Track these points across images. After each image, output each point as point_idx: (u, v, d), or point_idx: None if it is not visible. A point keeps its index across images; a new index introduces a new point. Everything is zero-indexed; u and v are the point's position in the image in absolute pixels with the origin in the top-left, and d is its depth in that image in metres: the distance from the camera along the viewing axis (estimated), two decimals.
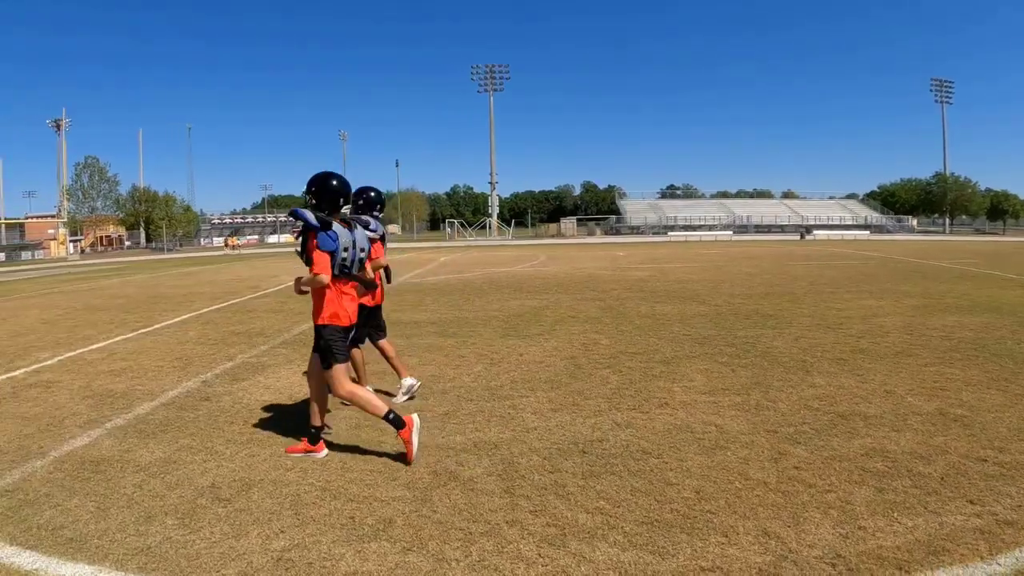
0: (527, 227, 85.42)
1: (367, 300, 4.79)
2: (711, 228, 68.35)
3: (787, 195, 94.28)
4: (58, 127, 68.89)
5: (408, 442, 3.88)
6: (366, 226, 4.38)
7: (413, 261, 26.70)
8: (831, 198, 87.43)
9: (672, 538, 3.04)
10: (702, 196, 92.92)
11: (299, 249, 3.95)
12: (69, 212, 64.10)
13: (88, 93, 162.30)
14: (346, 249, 3.96)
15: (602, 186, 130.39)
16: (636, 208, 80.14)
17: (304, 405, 5.01)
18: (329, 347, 3.94)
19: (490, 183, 75.51)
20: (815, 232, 59.49)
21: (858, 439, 4.18)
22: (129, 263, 37.07)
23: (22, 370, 6.87)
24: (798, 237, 55.37)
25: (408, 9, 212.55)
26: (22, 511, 3.45)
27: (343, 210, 4.10)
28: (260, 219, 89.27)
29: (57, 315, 11.46)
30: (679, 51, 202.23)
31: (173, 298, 13.93)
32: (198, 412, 5.08)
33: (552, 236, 69.17)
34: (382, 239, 4.91)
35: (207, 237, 77.13)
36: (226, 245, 62.11)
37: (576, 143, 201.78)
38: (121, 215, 68.64)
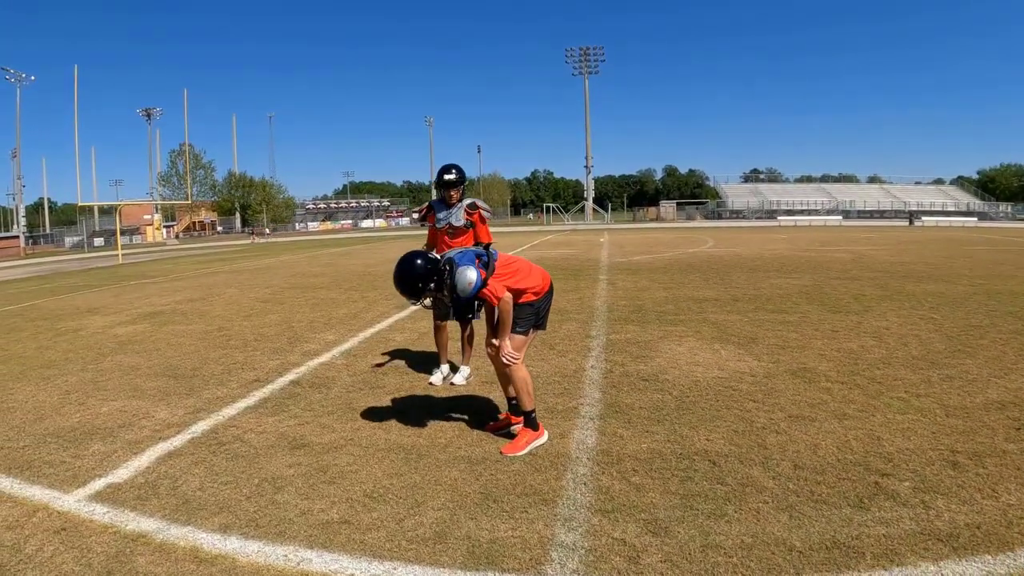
0: (621, 211, 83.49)
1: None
2: (815, 213, 64.82)
3: (872, 179, 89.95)
4: (148, 116, 71.93)
5: (523, 442, 3.68)
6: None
7: (565, 242, 26.86)
8: (917, 183, 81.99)
9: None
10: (786, 180, 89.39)
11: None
12: (163, 197, 66.75)
13: (173, 86, 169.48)
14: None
15: (683, 170, 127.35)
16: (736, 192, 77.35)
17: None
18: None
19: (586, 167, 73.77)
20: (923, 218, 55.25)
21: None
22: (242, 247, 38.46)
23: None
24: (906, 223, 51.65)
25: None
26: None
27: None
28: (354, 204, 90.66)
29: (270, 294, 11.66)
30: (756, 40, 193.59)
31: (388, 275, 13.47)
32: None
33: (652, 220, 67.36)
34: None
35: (301, 222, 78.93)
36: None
37: (654, 128, 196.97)
38: (217, 200, 71.08)
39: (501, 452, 3.69)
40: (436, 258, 3.65)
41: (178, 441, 4.11)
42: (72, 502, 3.31)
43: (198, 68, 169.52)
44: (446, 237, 5.04)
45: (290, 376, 5.65)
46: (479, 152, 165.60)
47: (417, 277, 3.55)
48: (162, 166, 71.23)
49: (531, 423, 3.76)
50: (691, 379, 5.10)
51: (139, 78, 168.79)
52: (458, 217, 5.03)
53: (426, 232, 5.31)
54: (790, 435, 3.82)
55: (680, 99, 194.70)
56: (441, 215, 5.05)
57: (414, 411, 4.35)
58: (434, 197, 5.27)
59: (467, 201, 5.04)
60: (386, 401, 4.82)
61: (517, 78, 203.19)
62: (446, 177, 4.91)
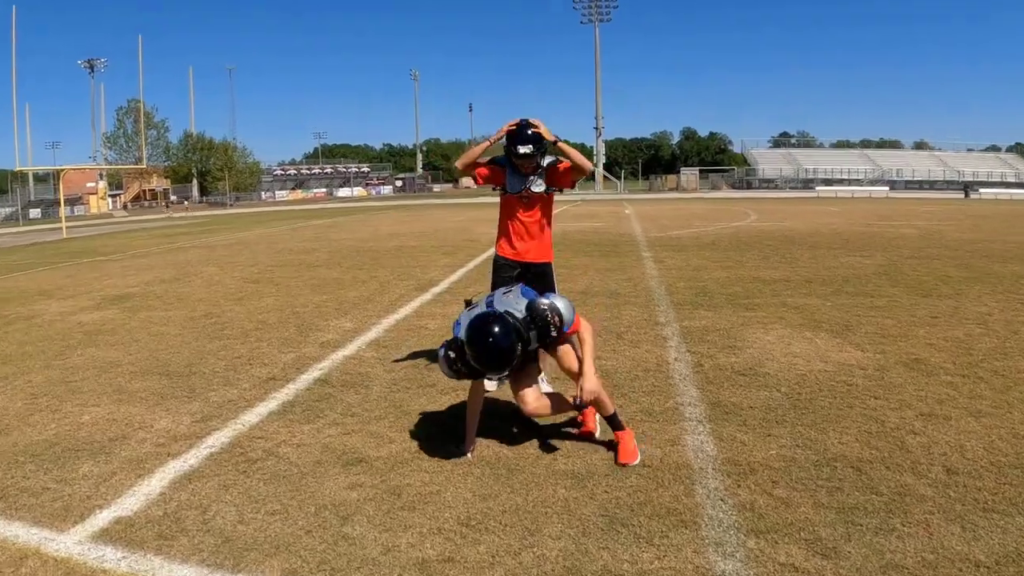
0: (634, 180, 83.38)
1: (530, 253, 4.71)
2: (857, 182, 64.80)
3: (919, 145, 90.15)
4: (91, 68, 70.37)
5: (632, 446, 3.71)
6: None
7: (588, 214, 27.18)
8: (970, 150, 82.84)
9: None
10: (821, 145, 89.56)
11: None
12: (109, 162, 65.78)
13: (118, 35, 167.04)
14: None
15: (703, 133, 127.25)
16: (766, 159, 77.26)
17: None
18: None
19: (596, 128, 73.25)
20: (979, 190, 55.22)
21: None
22: (205, 218, 38.13)
23: None
24: (961, 195, 51.87)
25: None
26: None
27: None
28: (328, 170, 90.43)
29: (259, 273, 11.65)
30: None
31: (394, 252, 14.30)
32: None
33: (671, 189, 67.43)
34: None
35: (268, 190, 78.35)
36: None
37: (670, 83, 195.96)
38: (171, 165, 70.28)
39: (619, 463, 3.62)
40: (513, 318, 3.53)
41: (193, 459, 3.80)
42: (71, 544, 2.96)
43: (148, 11, 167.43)
44: (521, 209, 4.65)
45: (313, 373, 5.45)
46: (470, 112, 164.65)
47: (511, 350, 3.43)
48: (107, 126, 70.04)
49: (620, 423, 3.78)
50: (795, 373, 5.10)
51: (79, 22, 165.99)
52: (539, 183, 4.61)
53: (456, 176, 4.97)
54: (929, 436, 3.89)
55: (700, 51, 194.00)
56: (513, 180, 4.62)
57: (483, 415, 4.03)
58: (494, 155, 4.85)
59: (548, 160, 4.62)
60: (443, 403, 4.56)
61: (515, 26, 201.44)
62: (522, 150, 4.39)
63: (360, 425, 4.22)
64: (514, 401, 3.84)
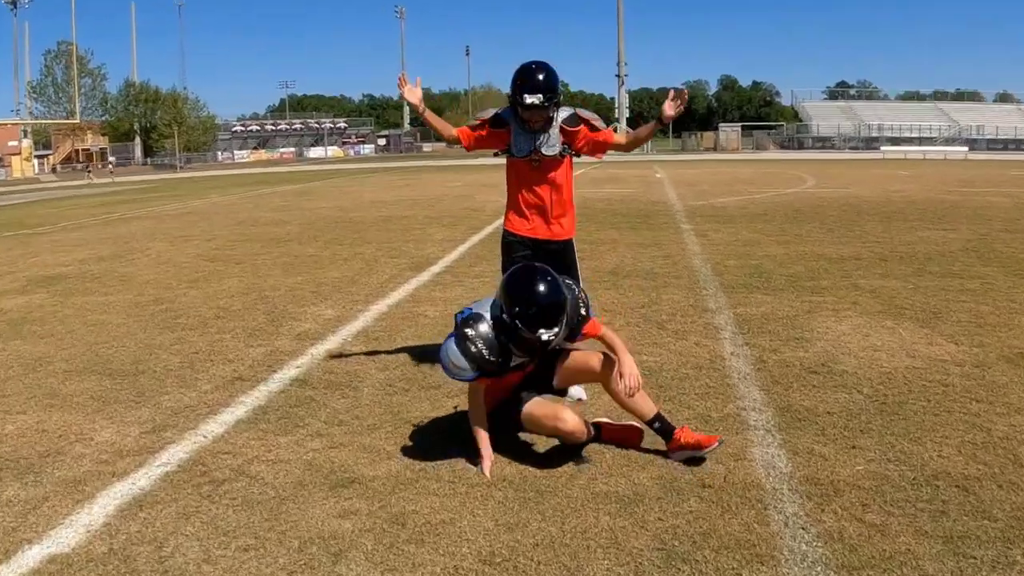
0: (663, 138, 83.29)
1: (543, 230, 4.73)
2: (929, 141, 64.59)
3: (1003, 98, 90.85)
4: (13, 4, 69.84)
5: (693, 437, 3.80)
6: None
7: (610, 178, 27.40)
8: None
9: None
10: (885, 98, 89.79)
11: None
12: (35, 115, 65.58)
13: None
14: None
15: (745, 83, 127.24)
16: (821, 113, 77.56)
17: None
18: None
19: (617, 76, 73.24)
20: None
21: None
22: (149, 184, 38.31)
23: None
24: None
25: None
26: None
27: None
28: (298, 125, 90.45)
29: (217, 250, 11.67)
30: None
31: (381, 223, 14.50)
32: None
33: (708, 149, 67.37)
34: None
35: (225, 150, 78.29)
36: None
37: (708, 27, 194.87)
38: (110, 120, 70.17)
39: (702, 449, 3.73)
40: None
41: (144, 480, 3.67)
42: None
43: None
44: (532, 176, 4.54)
45: (289, 371, 5.38)
46: (467, 56, 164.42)
47: (564, 304, 3.68)
48: (32, 73, 69.79)
49: (669, 422, 3.84)
50: (878, 370, 5.07)
51: None
52: (551, 143, 4.45)
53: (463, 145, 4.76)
54: None
55: None
56: (520, 140, 4.47)
57: (502, 422, 3.98)
58: (495, 109, 4.70)
59: (564, 113, 4.45)
60: (449, 407, 4.50)
61: None
62: (528, 100, 4.22)
63: (350, 437, 4.14)
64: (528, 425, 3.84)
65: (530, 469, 3.69)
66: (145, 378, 5.30)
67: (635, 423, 3.91)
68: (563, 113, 4.43)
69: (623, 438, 3.93)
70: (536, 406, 3.78)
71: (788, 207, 15.85)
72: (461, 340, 3.63)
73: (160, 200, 24.54)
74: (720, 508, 3.28)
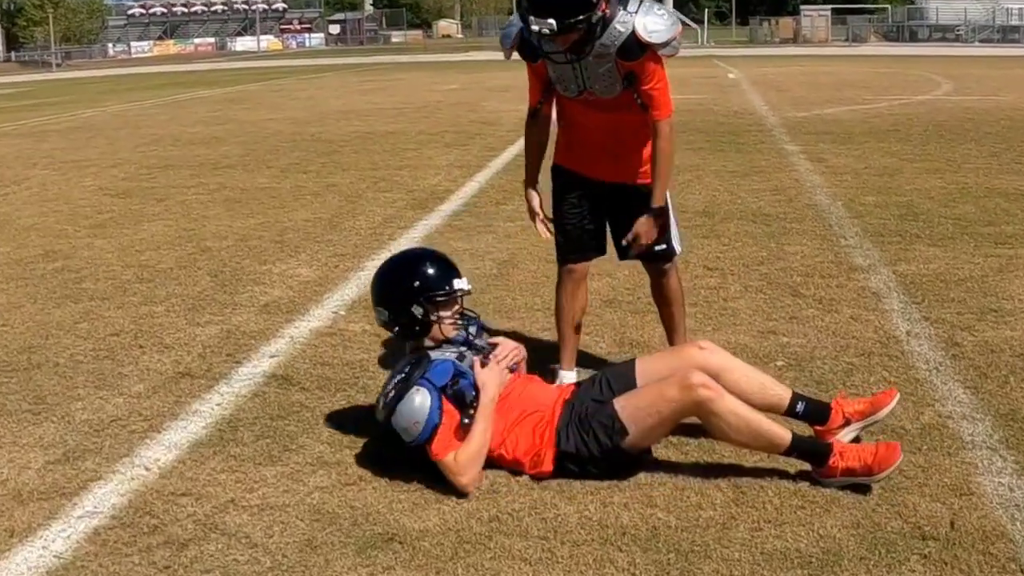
0: (720, 24, 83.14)
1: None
2: None
3: None
4: None
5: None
6: None
7: (674, 81, 27.20)
8: None
9: None
10: None
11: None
12: None
13: None
14: None
15: None
16: None
17: None
18: None
19: None
20: None
21: None
22: (16, 87, 38.70)
23: None
24: None
25: None
26: None
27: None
28: (218, 8, 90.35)
29: (128, 180, 11.61)
30: None
31: (357, 142, 14.68)
32: None
33: (786, 41, 67.90)
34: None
35: (119, 41, 77.73)
36: None
37: None
38: None
39: (876, 474, 3.64)
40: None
41: (59, 542, 3.33)
42: None
43: None
44: (587, 113, 4.41)
45: (261, 363, 5.23)
46: None
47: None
48: None
49: (823, 453, 3.78)
50: None
51: None
52: (608, 79, 4.19)
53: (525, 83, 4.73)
54: None
55: None
56: (561, 73, 4.26)
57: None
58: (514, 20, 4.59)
59: (619, 31, 4.10)
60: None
61: None
62: (536, 26, 3.97)
63: (372, 466, 3.92)
64: None
65: (659, 515, 3.48)
66: (43, 375, 5.11)
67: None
68: (618, 28, 4.09)
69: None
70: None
71: (927, 121, 15.73)
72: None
73: (36, 110, 24.50)
74: (956, 570, 3.10)
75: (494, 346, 4.22)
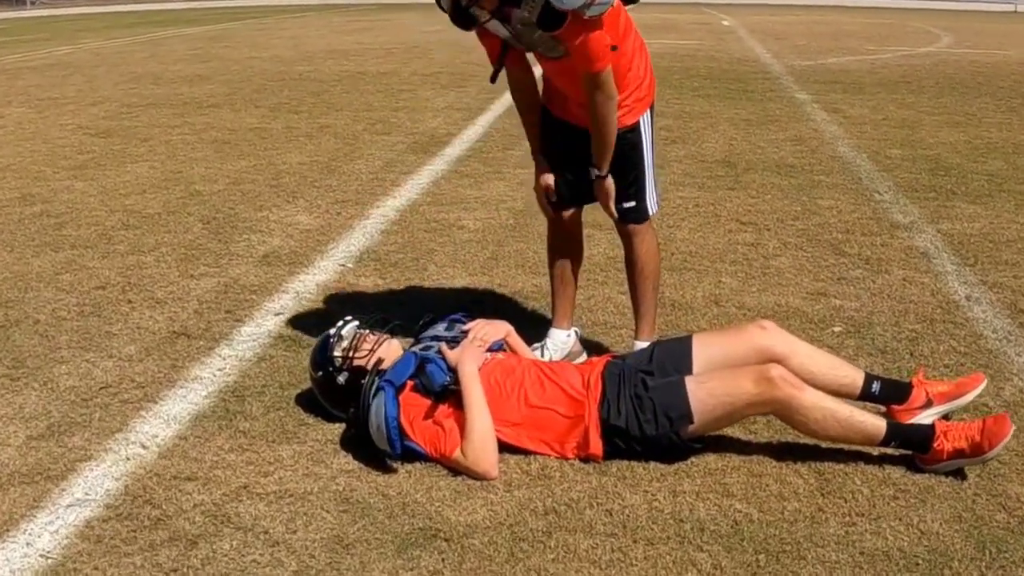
0: None
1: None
2: None
3: None
4: None
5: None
6: None
7: (661, 26, 27.13)
8: None
9: None
10: None
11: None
12: None
13: None
14: None
15: None
16: None
17: None
18: None
19: None
20: None
21: None
22: None
23: None
24: None
25: None
26: None
27: None
28: None
29: (110, 118, 11.33)
30: None
31: (348, 81, 14.54)
32: None
33: None
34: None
35: None
36: None
37: None
38: None
39: (983, 454, 3.40)
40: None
41: (46, 538, 2.99)
42: None
43: None
44: (549, 64, 4.26)
45: (266, 321, 4.95)
46: None
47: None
48: None
49: (925, 437, 3.52)
50: None
51: None
52: (546, 44, 4.01)
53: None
54: None
55: None
56: (506, 36, 4.06)
57: None
58: None
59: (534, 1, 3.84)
60: None
61: None
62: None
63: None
64: None
65: (738, 506, 3.22)
66: (21, 333, 4.84)
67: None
68: None
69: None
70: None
71: (937, 74, 15.82)
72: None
73: (9, 47, 23.90)
74: None
75: (465, 332, 4.04)
